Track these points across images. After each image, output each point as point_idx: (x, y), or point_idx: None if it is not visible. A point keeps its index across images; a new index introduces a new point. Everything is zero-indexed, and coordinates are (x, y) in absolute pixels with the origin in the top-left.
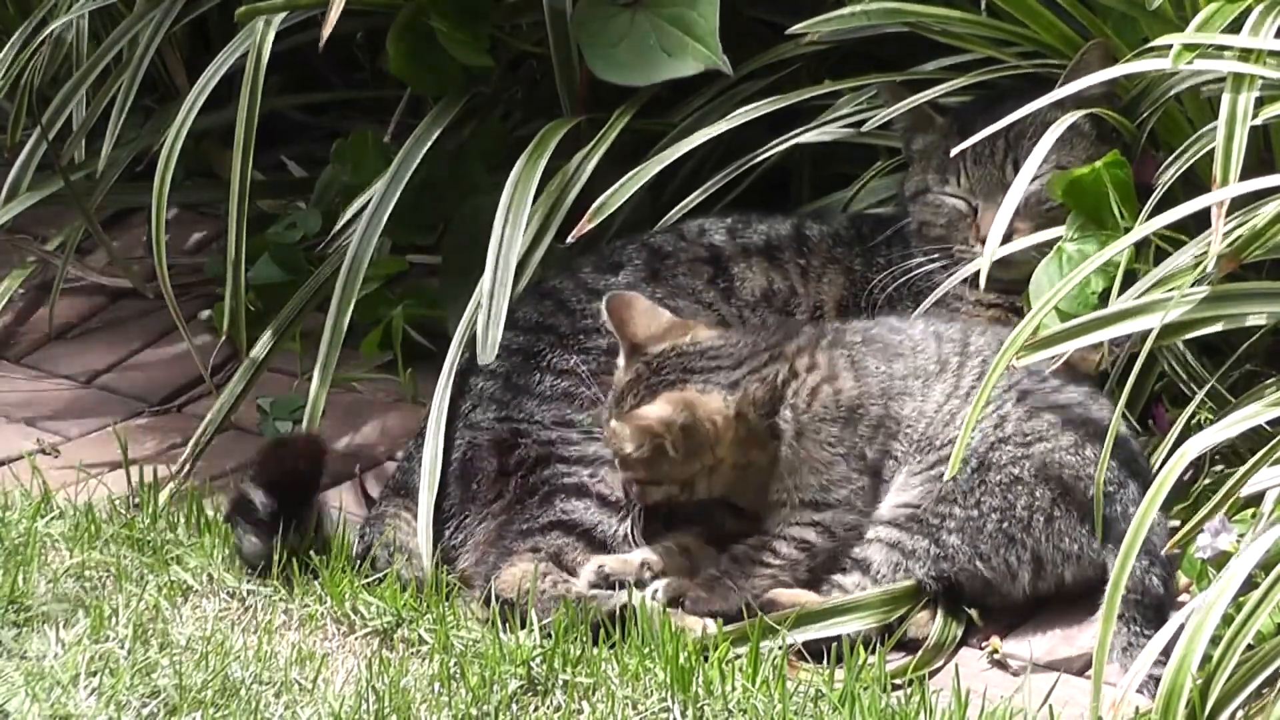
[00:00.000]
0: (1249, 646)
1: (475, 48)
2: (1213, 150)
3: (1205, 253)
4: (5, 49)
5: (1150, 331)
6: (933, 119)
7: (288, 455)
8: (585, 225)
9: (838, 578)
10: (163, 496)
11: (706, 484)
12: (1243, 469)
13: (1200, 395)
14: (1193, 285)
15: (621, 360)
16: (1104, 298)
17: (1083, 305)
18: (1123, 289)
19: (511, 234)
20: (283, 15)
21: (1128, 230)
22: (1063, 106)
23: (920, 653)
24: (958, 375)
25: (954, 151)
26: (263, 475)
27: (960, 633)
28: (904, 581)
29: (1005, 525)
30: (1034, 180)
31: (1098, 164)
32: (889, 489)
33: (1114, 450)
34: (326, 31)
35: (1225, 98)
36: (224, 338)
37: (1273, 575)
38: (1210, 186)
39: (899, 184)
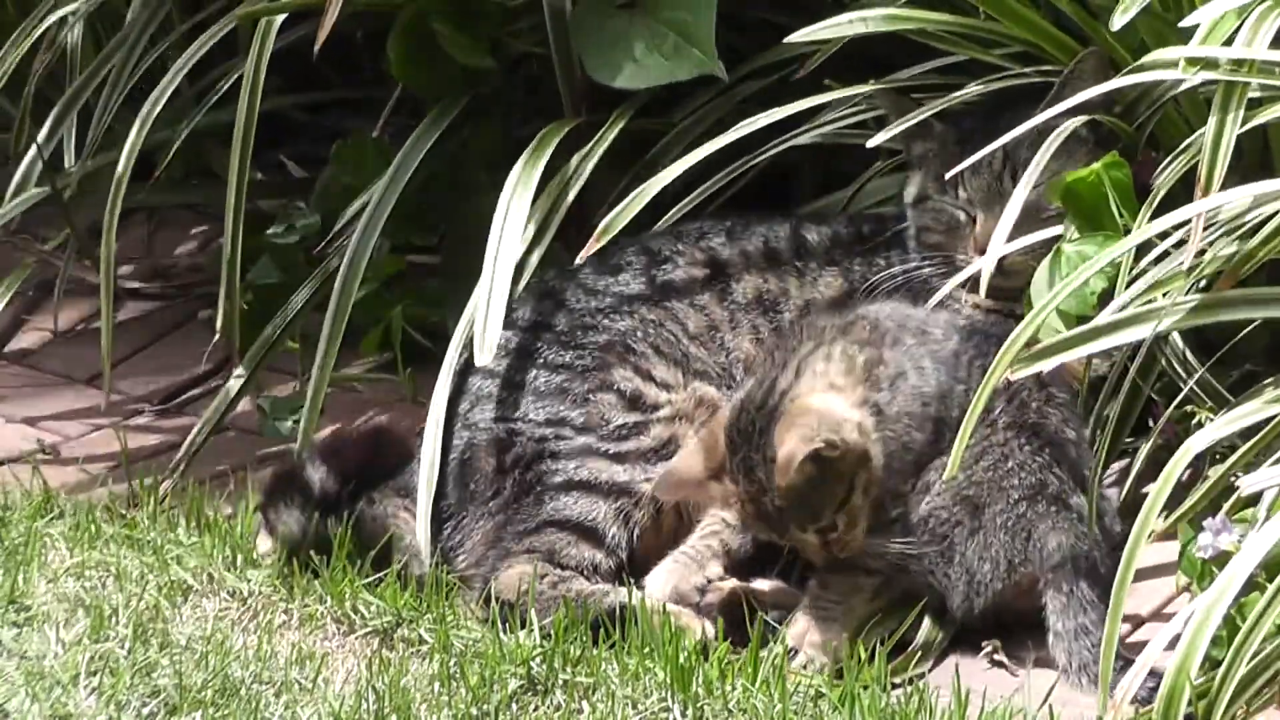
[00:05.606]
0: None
1: (476, 50)
2: (1214, 150)
3: (1198, 262)
4: (5, 48)
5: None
6: (932, 126)
7: (374, 446)
8: (593, 245)
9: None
10: (160, 494)
11: None
12: (1225, 464)
13: (1197, 392)
14: (1186, 293)
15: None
16: (1103, 297)
17: (1082, 304)
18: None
19: (508, 236)
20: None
21: (1128, 230)
22: (1061, 117)
23: (908, 653)
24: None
25: (949, 174)
26: (335, 459)
27: (946, 635)
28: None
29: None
30: (1033, 189)
31: (1096, 166)
32: None
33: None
34: (322, 35)
35: (1215, 107)
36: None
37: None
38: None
39: (899, 184)
